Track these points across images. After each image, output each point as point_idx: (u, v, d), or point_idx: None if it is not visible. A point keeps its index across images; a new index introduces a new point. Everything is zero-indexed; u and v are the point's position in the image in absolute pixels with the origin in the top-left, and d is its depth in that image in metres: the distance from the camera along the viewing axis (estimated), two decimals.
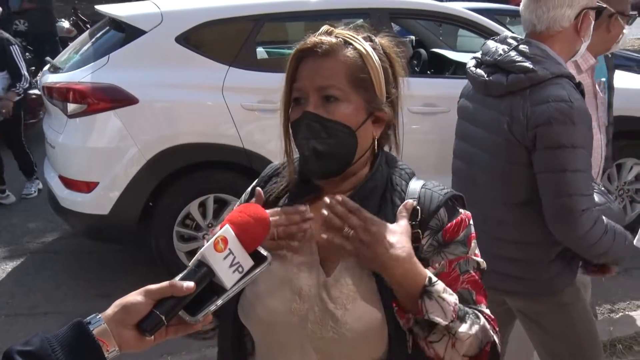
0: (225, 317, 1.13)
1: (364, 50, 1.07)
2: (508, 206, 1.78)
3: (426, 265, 1.05)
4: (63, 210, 3.69)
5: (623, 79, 4.29)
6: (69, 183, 3.62)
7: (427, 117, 3.87)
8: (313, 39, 1.07)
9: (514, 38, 1.81)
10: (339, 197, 1.00)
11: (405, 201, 1.07)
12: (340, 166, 1.09)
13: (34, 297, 3.63)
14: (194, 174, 3.63)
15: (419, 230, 1.07)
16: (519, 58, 1.71)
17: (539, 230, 1.75)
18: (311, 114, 1.05)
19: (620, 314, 3.41)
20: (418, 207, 1.08)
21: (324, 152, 1.06)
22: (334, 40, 1.06)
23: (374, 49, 1.09)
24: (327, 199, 1.01)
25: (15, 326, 3.26)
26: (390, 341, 1.05)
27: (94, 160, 3.58)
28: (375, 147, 1.13)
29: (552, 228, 1.71)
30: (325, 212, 1.00)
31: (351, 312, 1.04)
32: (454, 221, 1.09)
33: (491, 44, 1.84)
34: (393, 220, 1.05)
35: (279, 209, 1.08)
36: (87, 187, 3.54)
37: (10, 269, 4.00)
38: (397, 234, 1.01)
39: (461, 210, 1.12)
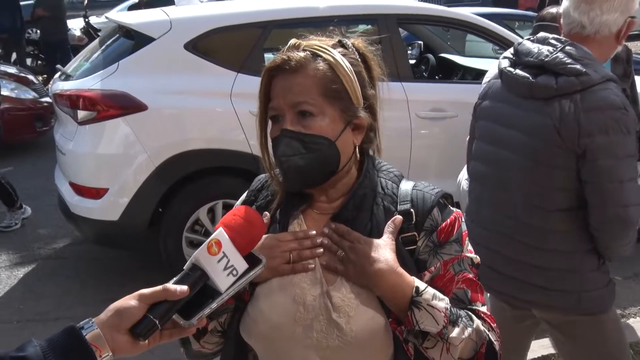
0: (229, 337, 1.13)
1: (333, 60, 1.06)
2: (546, 212, 1.71)
3: (423, 267, 1.07)
4: (73, 216, 3.71)
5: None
6: (79, 189, 3.65)
7: (435, 122, 3.86)
8: (281, 55, 1.07)
9: (557, 39, 1.72)
10: (333, 225, 1.07)
11: (395, 217, 1.08)
12: (322, 178, 1.09)
13: (45, 303, 3.65)
14: (203, 179, 3.64)
15: (415, 233, 1.09)
16: (569, 60, 1.64)
17: (576, 238, 1.70)
18: (289, 131, 1.05)
19: (632, 319, 3.38)
20: (411, 209, 1.09)
21: (305, 167, 1.06)
22: (301, 54, 1.06)
23: (345, 54, 1.09)
24: (325, 230, 1.08)
25: (26, 331, 3.28)
26: (396, 346, 1.05)
27: (104, 166, 3.60)
28: (358, 153, 1.13)
29: (599, 236, 1.67)
30: (325, 241, 1.07)
31: (355, 319, 1.04)
32: (448, 220, 1.10)
33: (530, 44, 1.76)
34: (386, 224, 1.07)
35: (289, 234, 1.09)
36: (97, 193, 3.56)
37: (21, 275, 4.03)
38: (381, 248, 1.04)
39: (452, 209, 1.13)
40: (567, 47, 1.67)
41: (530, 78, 1.70)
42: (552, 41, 1.71)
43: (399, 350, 1.05)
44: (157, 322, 0.90)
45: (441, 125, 3.88)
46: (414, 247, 1.09)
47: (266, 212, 1.13)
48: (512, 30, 5.12)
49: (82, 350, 0.86)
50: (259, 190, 1.20)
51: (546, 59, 1.67)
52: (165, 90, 3.58)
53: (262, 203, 1.18)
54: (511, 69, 1.77)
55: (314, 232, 1.09)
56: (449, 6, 5.01)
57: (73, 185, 3.69)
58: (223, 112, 3.62)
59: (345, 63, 1.07)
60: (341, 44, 1.11)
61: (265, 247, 1.06)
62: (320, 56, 1.06)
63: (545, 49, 1.70)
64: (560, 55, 1.66)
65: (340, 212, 1.10)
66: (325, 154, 1.06)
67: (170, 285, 0.91)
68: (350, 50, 1.11)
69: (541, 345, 2.93)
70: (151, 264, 3.86)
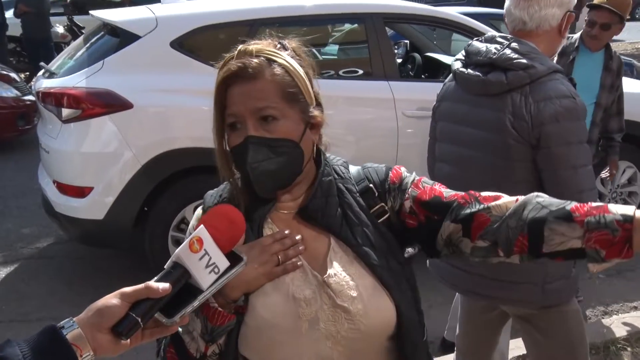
0: (227, 356, 1.11)
1: (287, 64, 1.08)
2: None
3: (402, 208, 1.14)
4: (58, 215, 3.68)
5: None
6: (63, 188, 3.61)
7: (421, 121, 3.87)
8: (236, 64, 1.06)
9: (503, 37, 1.82)
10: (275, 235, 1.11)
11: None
12: (291, 179, 1.12)
13: (28, 303, 3.61)
14: (189, 178, 3.63)
15: (382, 204, 1.14)
16: (515, 55, 1.72)
17: None
18: (255, 138, 1.06)
19: (614, 316, 3.43)
20: (370, 185, 1.15)
21: (275, 171, 1.08)
22: (257, 61, 1.06)
23: (293, 57, 1.11)
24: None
25: (9, 333, 3.24)
26: (400, 317, 1.08)
27: (89, 165, 3.57)
28: (315, 151, 1.16)
29: None
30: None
31: (358, 298, 1.07)
32: (395, 170, 1.19)
33: (478, 44, 1.85)
34: (354, 204, 1.12)
35: (269, 237, 1.10)
36: (82, 192, 3.53)
37: (4, 275, 3.98)
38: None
39: None
40: (513, 44, 1.76)
41: (482, 76, 1.78)
42: (499, 39, 1.81)
43: (402, 329, 1.09)
44: (140, 320, 0.89)
45: (427, 124, 3.89)
46: (387, 215, 1.13)
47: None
48: (498, 29, 5.16)
49: (62, 350, 0.84)
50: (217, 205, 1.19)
51: (494, 57, 1.76)
52: (152, 88, 3.55)
53: None
54: (463, 70, 1.86)
55: (288, 231, 1.11)
56: (435, 5, 5.03)
57: (57, 184, 3.65)
58: (210, 110, 3.56)
59: (297, 66, 1.09)
60: (283, 47, 1.12)
61: (255, 255, 1.07)
62: (275, 61, 1.08)
63: (493, 47, 1.79)
64: (507, 51, 1.74)
65: (309, 203, 1.12)
66: (292, 156, 1.08)
67: (152, 283, 0.91)
68: (291, 52, 1.12)
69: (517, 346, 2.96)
70: (137, 263, 3.83)
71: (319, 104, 1.14)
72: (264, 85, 1.06)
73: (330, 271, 1.09)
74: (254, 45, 1.10)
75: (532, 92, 1.69)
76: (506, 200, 1.08)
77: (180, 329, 1.05)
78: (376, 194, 1.15)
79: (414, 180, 1.16)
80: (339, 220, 1.11)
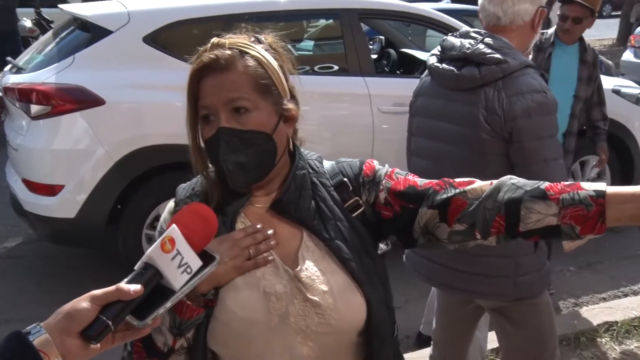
0: (195, 351, 1.10)
1: (260, 56, 1.08)
2: None
3: (378, 200, 1.14)
4: (27, 214, 3.60)
5: None
6: (33, 186, 3.53)
7: (397, 117, 3.89)
8: (208, 55, 1.06)
9: (477, 32, 1.84)
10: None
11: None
12: (265, 172, 1.11)
13: None
14: (163, 175, 3.58)
15: (356, 198, 1.14)
16: (488, 50, 1.75)
17: None
18: (227, 129, 1.05)
19: (584, 307, 3.50)
20: (344, 179, 1.15)
21: (247, 164, 1.07)
22: (229, 52, 1.06)
23: (267, 50, 1.11)
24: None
25: None
26: (369, 312, 1.08)
27: (60, 162, 3.50)
28: (291, 144, 1.16)
29: None
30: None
31: (329, 292, 1.07)
32: (365, 163, 1.19)
33: (453, 39, 1.87)
34: (328, 198, 1.13)
35: (240, 231, 1.10)
36: (53, 190, 3.46)
37: None
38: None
39: None
40: (486, 39, 1.79)
41: (456, 70, 1.80)
42: (473, 34, 1.83)
43: (372, 310, 1.08)
44: (110, 323, 0.86)
45: (403, 120, 3.90)
46: (362, 209, 1.14)
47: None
48: (471, 26, 5.21)
49: (28, 357, 0.81)
50: (189, 198, 1.18)
51: (468, 51, 1.78)
52: (124, 84, 3.50)
53: None
54: (438, 64, 1.88)
55: (260, 225, 1.10)
56: (409, 2, 5.05)
57: (26, 182, 3.57)
58: (183, 107, 3.51)
59: (270, 58, 1.10)
60: (258, 41, 1.12)
61: (225, 249, 1.06)
62: (248, 53, 1.08)
63: (467, 42, 1.81)
64: (481, 46, 1.77)
65: (282, 196, 1.12)
66: (265, 148, 1.08)
67: (123, 285, 0.88)
68: (267, 46, 1.12)
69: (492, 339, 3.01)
70: (110, 261, 3.77)
71: (293, 98, 1.14)
72: (236, 76, 1.06)
73: (301, 265, 1.08)
74: (227, 39, 1.09)
75: (504, 87, 1.71)
76: (481, 184, 1.09)
77: None
78: (350, 188, 1.15)
79: (387, 172, 1.17)
80: (312, 214, 1.11)
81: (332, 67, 4.20)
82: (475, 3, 1.96)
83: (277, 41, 1.15)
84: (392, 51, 5.12)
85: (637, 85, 4.84)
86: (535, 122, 1.68)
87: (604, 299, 3.64)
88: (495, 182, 1.07)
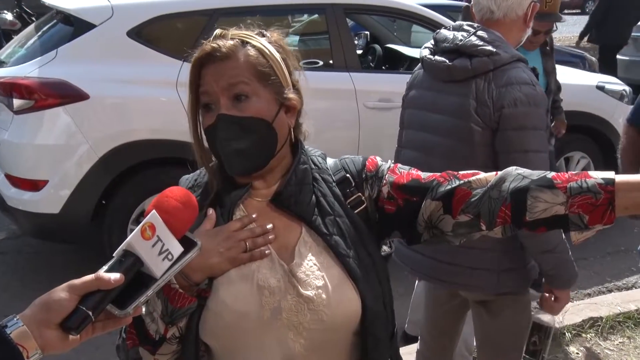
0: (187, 341, 1.09)
1: (261, 46, 1.10)
2: None
3: (380, 195, 1.13)
4: (10, 209, 3.56)
5: (569, 75, 4.45)
6: (16, 181, 3.49)
7: (382, 113, 3.91)
8: (210, 45, 1.08)
9: (470, 25, 1.85)
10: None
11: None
12: (264, 160, 1.11)
13: None
14: (148, 171, 3.56)
15: (359, 194, 1.14)
16: (480, 42, 1.76)
17: None
18: (226, 116, 1.06)
19: (569, 303, 3.53)
20: (347, 175, 1.15)
21: (246, 150, 1.08)
22: (231, 42, 1.08)
23: (269, 42, 1.12)
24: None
25: None
26: (364, 311, 1.08)
27: (43, 157, 3.46)
28: (293, 137, 1.16)
29: None
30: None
31: (323, 288, 1.06)
32: (368, 159, 1.19)
33: (446, 32, 1.89)
34: (329, 194, 1.12)
35: (237, 222, 1.10)
36: (36, 185, 3.42)
37: None
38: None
39: None
40: (479, 32, 1.81)
41: (448, 62, 1.81)
42: (466, 27, 1.85)
43: (366, 308, 1.08)
44: (90, 314, 0.84)
45: (389, 115, 3.92)
46: (364, 205, 1.13)
47: (211, 209, 1.12)
48: (455, 22, 5.23)
49: (6, 350, 0.78)
50: (191, 188, 1.18)
51: (460, 43, 1.80)
52: (108, 78, 3.46)
53: (197, 200, 1.15)
54: (430, 57, 1.89)
55: (255, 215, 1.11)
56: None
57: (9, 177, 3.53)
58: (168, 101, 3.54)
59: (272, 49, 1.11)
60: (262, 35, 1.14)
61: (221, 239, 1.06)
62: (249, 43, 1.09)
63: (459, 35, 1.83)
64: (473, 38, 1.79)
65: (283, 189, 1.11)
66: (264, 135, 1.08)
67: (102, 273, 0.86)
68: (272, 40, 1.14)
69: None
70: (93, 257, 3.74)
71: (297, 91, 1.15)
72: (237, 64, 1.07)
73: (297, 260, 1.08)
74: (231, 30, 1.11)
75: (494, 79, 1.73)
76: (485, 174, 1.07)
77: (144, 310, 1.03)
78: (353, 184, 1.15)
79: (389, 166, 1.17)
80: (311, 209, 1.11)
81: (317, 63, 4.20)
82: None
83: (283, 38, 1.16)
84: (377, 47, 5.12)
85: (621, 82, 4.90)
86: (520, 112, 1.70)
87: (589, 295, 3.67)
88: (500, 172, 1.06)
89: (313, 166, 1.16)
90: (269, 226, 1.10)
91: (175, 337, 1.09)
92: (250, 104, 1.07)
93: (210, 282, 1.07)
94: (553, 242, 1.76)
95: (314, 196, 1.12)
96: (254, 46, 1.09)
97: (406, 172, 1.15)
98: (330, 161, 1.20)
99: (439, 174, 1.12)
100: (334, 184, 1.15)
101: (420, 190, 1.10)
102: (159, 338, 1.07)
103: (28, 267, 3.95)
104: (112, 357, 1.16)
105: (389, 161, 1.20)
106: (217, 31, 1.11)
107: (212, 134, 1.08)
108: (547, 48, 3.25)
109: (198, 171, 1.21)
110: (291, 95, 1.12)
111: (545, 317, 1.97)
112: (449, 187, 1.07)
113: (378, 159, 1.20)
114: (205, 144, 1.13)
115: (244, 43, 1.09)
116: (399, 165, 1.18)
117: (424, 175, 1.14)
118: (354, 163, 1.18)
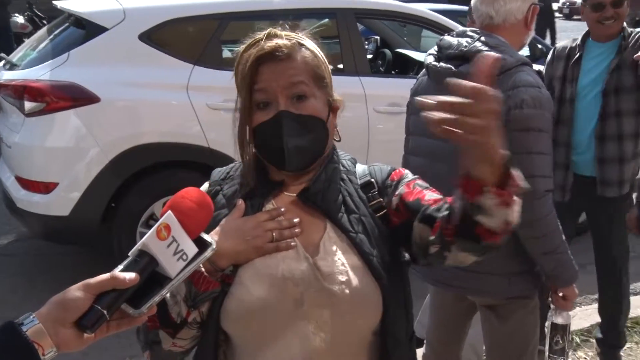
0: (207, 328, 1.10)
1: (314, 48, 1.14)
2: None
3: (390, 208, 1.14)
4: (20, 211, 3.57)
5: None
6: (26, 184, 3.51)
7: (392, 117, 3.90)
8: (270, 44, 1.09)
9: (473, 31, 1.86)
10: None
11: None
12: (315, 158, 1.15)
13: None
14: (158, 174, 3.57)
15: (380, 199, 1.16)
16: (485, 48, 1.76)
17: None
18: (287, 112, 1.09)
19: (577, 308, 3.51)
20: (372, 179, 1.18)
21: (304, 147, 1.11)
22: (289, 43, 1.11)
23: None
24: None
25: None
26: (385, 311, 1.08)
27: (54, 160, 3.48)
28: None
29: None
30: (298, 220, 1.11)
31: (347, 283, 1.07)
32: (398, 170, 1.22)
33: (450, 38, 1.89)
34: (355, 194, 1.14)
35: (265, 213, 1.12)
36: (46, 187, 3.44)
37: None
38: None
39: None
40: (483, 37, 1.81)
41: (453, 68, 1.82)
42: (470, 33, 1.85)
43: (387, 315, 1.09)
44: (105, 312, 0.85)
45: (398, 119, 3.91)
46: (384, 211, 1.15)
47: (241, 200, 1.14)
48: (465, 27, 5.22)
49: (21, 348, 0.79)
50: (223, 180, 1.21)
51: (465, 49, 1.80)
52: (119, 81, 3.48)
53: (228, 192, 1.18)
54: (435, 63, 1.89)
55: (283, 208, 1.12)
56: (405, 2, 5.06)
57: (19, 179, 3.55)
58: (179, 105, 3.55)
59: (321, 52, 1.15)
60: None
61: (249, 228, 1.09)
62: (304, 45, 1.13)
63: (464, 41, 1.83)
64: (478, 44, 1.79)
65: (311, 185, 1.14)
66: (320, 135, 1.13)
67: (118, 273, 0.87)
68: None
69: None
70: (103, 259, 3.76)
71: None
72: (297, 64, 1.10)
73: (322, 254, 1.09)
74: (281, 31, 1.13)
75: (500, 83, 1.73)
76: None
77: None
78: (376, 189, 1.17)
79: (408, 180, 1.18)
80: (338, 207, 1.13)
81: None
82: (466, 4, 1.97)
83: (314, 39, 1.19)
84: (387, 51, 5.13)
85: None
86: (525, 114, 1.70)
87: (597, 300, 3.64)
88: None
89: (342, 168, 1.19)
90: (296, 220, 1.12)
91: (197, 322, 1.10)
92: (308, 103, 1.10)
93: (235, 269, 1.08)
94: (554, 243, 1.76)
95: (340, 195, 1.14)
96: (308, 48, 1.13)
97: (418, 190, 1.15)
98: (359, 167, 1.23)
99: (440, 197, 1.11)
100: (359, 186, 1.18)
101: (414, 210, 1.11)
102: (180, 321, 1.07)
103: (37, 269, 3.97)
104: None
105: (412, 176, 1.20)
106: (271, 30, 1.13)
107: (268, 129, 1.10)
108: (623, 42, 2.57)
109: (231, 164, 1.23)
110: (337, 97, 1.17)
111: (559, 319, 1.95)
112: (434, 210, 1.06)
113: (406, 171, 1.22)
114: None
115: (300, 45, 1.12)
116: (418, 181, 1.18)
117: (428, 196, 1.11)
118: (382, 171, 1.21)
